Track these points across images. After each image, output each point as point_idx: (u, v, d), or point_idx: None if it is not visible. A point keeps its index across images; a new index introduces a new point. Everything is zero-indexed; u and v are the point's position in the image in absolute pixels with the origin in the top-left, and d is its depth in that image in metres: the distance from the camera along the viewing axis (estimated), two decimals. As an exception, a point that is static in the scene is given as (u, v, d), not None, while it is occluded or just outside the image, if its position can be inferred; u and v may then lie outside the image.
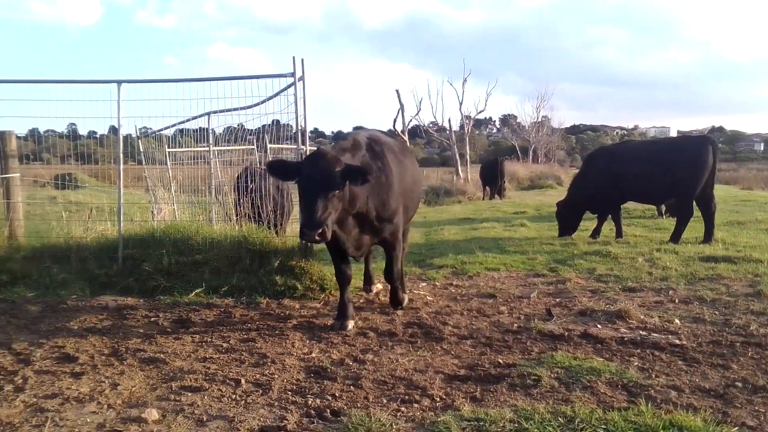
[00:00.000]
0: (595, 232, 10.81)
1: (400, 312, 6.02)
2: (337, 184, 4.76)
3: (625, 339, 4.98)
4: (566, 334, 5.15)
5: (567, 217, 11.05)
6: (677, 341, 4.89)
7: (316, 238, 4.69)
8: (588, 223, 11.64)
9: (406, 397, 3.90)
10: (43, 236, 7.74)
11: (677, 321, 5.46)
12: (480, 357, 4.67)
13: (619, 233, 10.56)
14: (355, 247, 5.54)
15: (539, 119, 51.35)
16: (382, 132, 6.40)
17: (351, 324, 5.51)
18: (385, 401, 3.85)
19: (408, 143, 6.37)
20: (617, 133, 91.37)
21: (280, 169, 5.13)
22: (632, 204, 12.54)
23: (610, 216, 10.89)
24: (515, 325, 5.51)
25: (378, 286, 7.00)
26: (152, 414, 3.65)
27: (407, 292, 6.47)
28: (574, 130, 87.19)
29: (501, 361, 4.52)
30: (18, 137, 8.24)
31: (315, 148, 5.78)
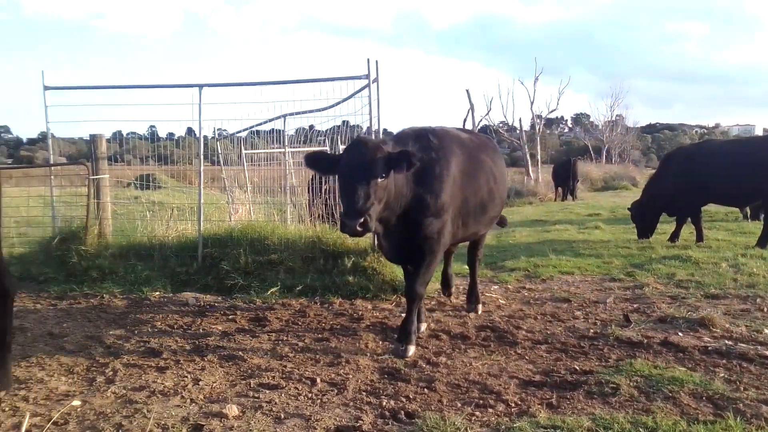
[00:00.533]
0: (674, 236, 10.40)
1: (472, 315, 5.99)
2: (380, 171, 4.35)
3: (709, 348, 4.78)
4: (645, 341, 5.00)
5: (642, 219, 10.71)
6: (767, 352, 4.66)
7: (358, 229, 4.23)
8: (666, 226, 11.24)
9: (481, 401, 3.88)
10: (129, 235, 8.11)
11: (767, 331, 5.21)
12: (555, 363, 4.59)
13: (699, 237, 10.13)
14: (398, 255, 5.11)
15: (613, 118, 49.96)
16: (458, 128, 6.07)
17: (424, 327, 5.41)
18: (459, 405, 3.85)
19: (494, 142, 6.22)
20: (696, 131, 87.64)
21: (319, 161, 4.77)
22: (714, 206, 12.01)
23: (689, 219, 10.46)
24: (591, 330, 5.39)
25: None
26: (232, 410, 3.77)
27: (481, 304, 6.23)
28: (650, 129, 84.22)
29: (577, 368, 4.43)
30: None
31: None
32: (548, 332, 5.39)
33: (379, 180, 4.37)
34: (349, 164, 4.41)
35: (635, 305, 6.25)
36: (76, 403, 3.86)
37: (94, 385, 4.22)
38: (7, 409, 3.79)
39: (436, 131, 5.26)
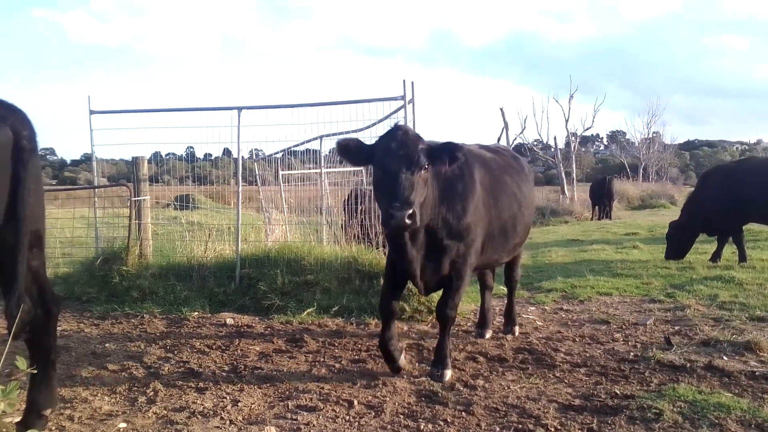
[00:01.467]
0: (716, 256, 10.15)
1: (509, 337, 5.94)
2: (423, 160, 4.09)
3: (757, 373, 4.65)
4: (688, 365, 4.89)
5: (679, 240, 10.47)
6: (817, 378, 4.51)
7: (407, 221, 3.89)
8: (708, 245, 11.00)
9: (520, 425, 3.84)
10: (168, 255, 8.26)
11: (815, 355, 5.05)
12: (595, 386, 4.52)
13: (742, 257, 9.87)
14: (420, 273, 4.69)
15: (650, 135, 49.21)
16: (485, 146, 5.83)
17: (402, 361, 4.93)
18: (497, 429, 3.81)
19: (525, 164, 6.08)
20: (737, 148, 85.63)
21: (352, 150, 4.43)
22: (757, 226, 11.72)
23: (731, 238, 10.22)
24: (631, 353, 5.29)
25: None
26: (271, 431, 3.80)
27: (518, 326, 6.15)
28: (689, 145, 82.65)
29: (618, 392, 4.36)
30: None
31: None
32: (587, 355, 5.32)
33: (423, 171, 4.11)
34: (391, 152, 4.11)
35: (676, 327, 6.12)
36: (122, 425, 3.93)
37: (136, 405, 4.29)
38: (53, 428, 3.88)
39: (468, 149, 5.02)
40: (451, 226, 4.62)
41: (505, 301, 6.46)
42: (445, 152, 4.19)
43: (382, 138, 4.38)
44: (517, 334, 6.00)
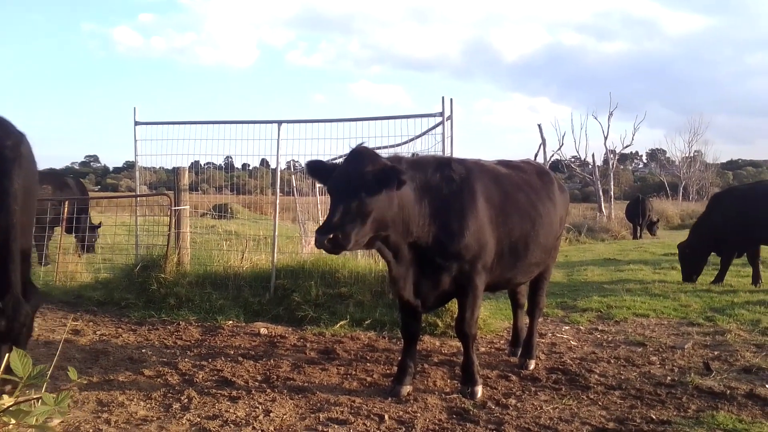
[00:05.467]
0: (718, 279, 10.21)
1: (543, 356, 5.87)
2: (367, 185, 4.04)
3: (799, 403, 4.51)
4: (728, 392, 4.76)
5: (690, 261, 10.48)
6: None
7: (326, 244, 3.93)
8: (749, 268, 10.72)
9: (552, 447, 3.80)
10: (205, 264, 8.40)
11: None
12: (630, 410, 4.43)
13: (755, 279, 9.97)
14: (414, 289, 4.62)
15: (691, 154, 48.32)
16: (505, 161, 5.62)
17: (406, 390, 4.80)
18: (529, 450, 3.77)
19: (554, 181, 5.95)
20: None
21: (318, 170, 4.57)
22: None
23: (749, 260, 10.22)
24: (668, 378, 5.19)
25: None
26: (302, 442, 3.83)
27: (536, 356, 5.65)
28: (732, 165, 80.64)
29: (654, 417, 4.27)
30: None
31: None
32: (622, 377, 5.23)
33: (366, 195, 4.05)
34: (337, 175, 4.22)
35: (716, 352, 5.98)
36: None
37: (171, 412, 4.36)
38: (91, 430, 3.97)
39: (465, 162, 5.02)
40: (445, 244, 4.53)
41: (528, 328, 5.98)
42: (392, 177, 4.09)
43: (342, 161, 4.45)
44: (531, 368, 5.45)
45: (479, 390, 4.75)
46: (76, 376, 1.55)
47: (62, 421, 3.40)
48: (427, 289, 4.68)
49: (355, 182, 4.07)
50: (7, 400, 1.31)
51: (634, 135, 34.81)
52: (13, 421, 1.31)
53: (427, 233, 4.50)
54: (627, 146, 34.87)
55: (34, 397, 1.39)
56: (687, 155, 48.24)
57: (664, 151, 57.23)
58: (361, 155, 4.22)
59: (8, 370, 1.47)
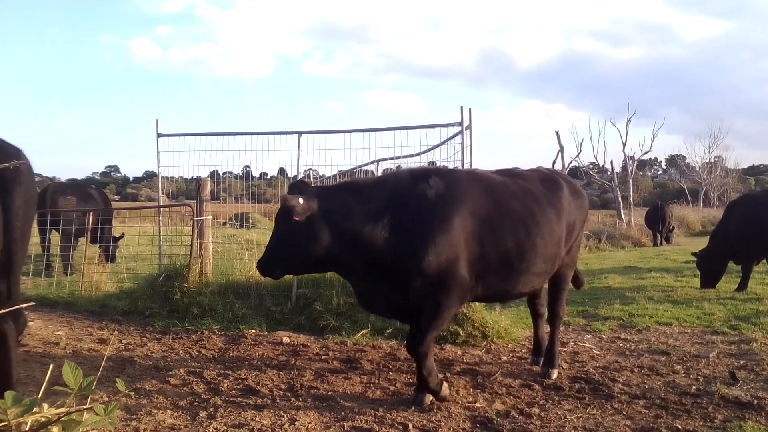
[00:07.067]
0: (741, 286, 10.06)
1: (565, 365, 5.85)
2: (281, 221, 4.57)
3: (828, 413, 4.47)
4: (755, 402, 4.72)
5: (707, 268, 10.42)
6: None
7: (258, 272, 4.88)
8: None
9: (577, 457, 3.80)
10: (227, 273, 8.48)
11: None
12: (655, 420, 4.42)
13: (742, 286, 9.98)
14: (383, 304, 4.87)
15: (711, 159, 47.84)
16: (505, 170, 5.54)
17: (429, 399, 4.80)
18: (554, 459, 3.77)
19: (562, 187, 5.85)
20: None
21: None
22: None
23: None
24: (693, 387, 5.15)
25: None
26: (328, 451, 3.86)
27: (558, 366, 5.62)
28: (754, 171, 79.65)
29: (679, 427, 4.25)
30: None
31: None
32: (646, 386, 5.20)
33: (278, 229, 4.64)
34: None
35: (742, 362, 5.92)
36: None
37: (197, 420, 4.42)
38: (120, 439, 4.04)
39: (454, 173, 5.12)
40: (405, 260, 4.54)
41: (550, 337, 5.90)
42: (290, 211, 4.40)
43: None
44: (553, 378, 5.41)
45: (429, 398, 4.75)
46: (123, 387, 1.60)
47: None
48: (397, 304, 4.77)
49: (278, 216, 4.62)
50: (59, 411, 1.37)
51: (653, 141, 34.55)
52: (65, 430, 1.36)
53: (387, 250, 4.55)
54: (646, 152, 34.59)
55: (85, 407, 1.44)
56: (707, 161, 47.83)
57: (684, 157, 56.75)
58: (289, 191, 4.67)
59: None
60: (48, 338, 6.82)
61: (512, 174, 5.44)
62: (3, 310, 2.56)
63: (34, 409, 1.32)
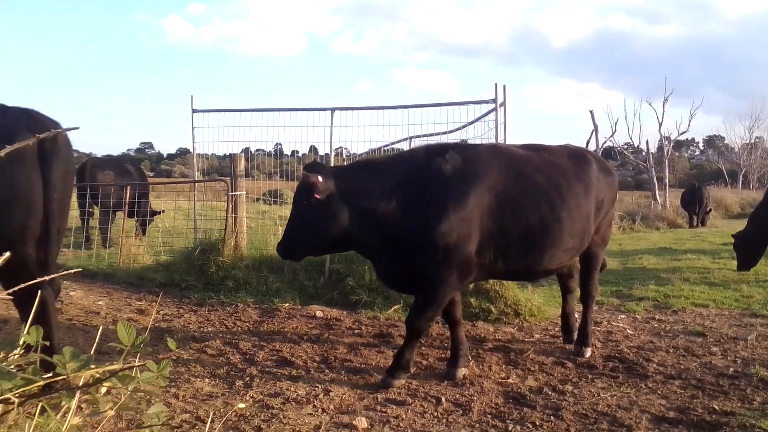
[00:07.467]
0: None
1: (599, 344, 5.81)
2: (300, 201, 4.58)
3: None
4: (796, 385, 4.64)
5: (745, 250, 10.06)
6: None
7: (280, 255, 4.89)
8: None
9: (611, 434, 3.79)
10: (261, 248, 8.59)
11: None
12: (691, 400, 4.37)
13: None
14: (393, 279, 4.95)
15: (752, 140, 46.59)
16: (531, 145, 5.41)
17: (461, 373, 4.85)
18: (588, 436, 3.77)
19: (590, 163, 5.69)
20: None
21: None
22: None
23: None
24: (731, 369, 5.08)
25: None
26: (362, 422, 3.92)
27: (592, 344, 5.55)
28: (795, 152, 77.40)
29: (716, 407, 4.20)
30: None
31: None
32: (681, 367, 5.14)
33: (297, 210, 4.64)
34: None
35: (781, 344, 5.82)
36: (241, 405, 4.14)
37: (234, 389, 4.52)
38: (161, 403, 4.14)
39: (474, 148, 5.04)
40: (420, 234, 4.52)
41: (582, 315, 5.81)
42: (311, 190, 4.47)
43: None
44: (587, 357, 5.38)
45: (396, 383, 4.64)
46: (174, 346, 1.65)
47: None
48: (412, 280, 4.75)
49: (295, 197, 4.69)
50: (114, 367, 1.42)
51: (690, 121, 33.66)
52: (120, 385, 1.41)
53: (403, 226, 4.56)
54: (683, 133, 33.71)
55: (139, 364, 1.49)
56: (747, 142, 46.60)
57: (723, 138, 55.40)
58: (305, 171, 4.61)
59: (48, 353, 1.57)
60: (89, 308, 7.01)
61: (537, 148, 5.34)
62: (46, 277, 2.63)
63: (90, 366, 1.37)
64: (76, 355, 1.37)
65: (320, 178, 4.47)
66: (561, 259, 5.20)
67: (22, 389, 1.30)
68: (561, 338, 6.01)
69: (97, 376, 1.40)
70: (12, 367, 1.44)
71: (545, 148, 5.40)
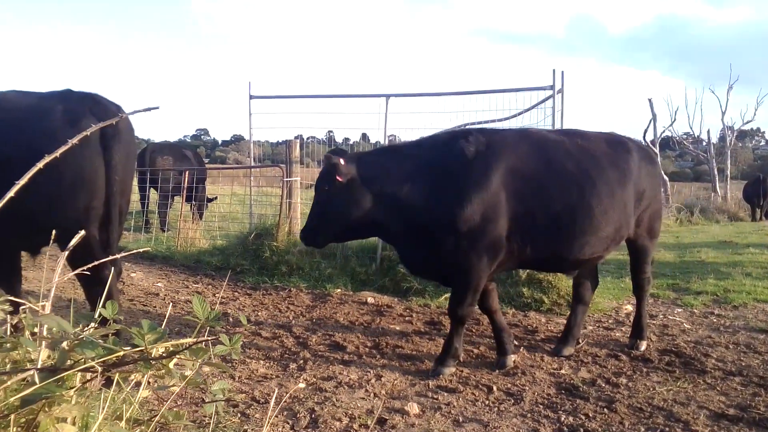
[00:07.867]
0: None
1: (654, 337, 5.70)
2: (323, 185, 4.63)
3: None
4: None
5: None
6: None
7: (302, 242, 5.03)
8: None
9: (666, 429, 3.73)
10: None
11: None
12: (753, 398, 4.25)
13: None
14: (417, 265, 4.91)
15: (822, 131, 44.46)
16: (566, 130, 5.38)
17: (511, 360, 4.87)
18: (642, 430, 3.72)
19: (630, 151, 5.46)
20: None
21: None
22: None
23: None
24: (795, 367, 4.91)
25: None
26: (413, 408, 3.96)
27: (647, 338, 5.43)
28: None
29: (779, 406, 4.08)
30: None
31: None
32: (742, 364, 5.00)
33: (320, 196, 4.68)
34: None
35: None
36: (301, 385, 4.26)
37: (288, 371, 4.63)
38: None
39: (492, 133, 4.86)
40: (442, 218, 4.46)
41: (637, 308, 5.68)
42: (329, 173, 4.55)
43: None
44: (642, 350, 5.27)
45: (446, 371, 4.64)
46: (245, 321, 1.72)
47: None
48: (436, 266, 4.71)
49: (317, 184, 4.74)
50: (188, 340, 1.48)
51: (756, 110, 32.46)
52: (193, 357, 1.48)
53: (425, 210, 4.51)
54: (747, 122, 32.50)
55: (212, 338, 1.55)
56: (816, 133, 44.49)
57: (790, 128, 53.01)
58: (325, 161, 4.64)
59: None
60: (149, 289, 7.26)
61: (571, 134, 5.18)
62: (113, 257, 2.74)
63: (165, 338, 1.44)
64: (153, 327, 1.44)
65: (342, 161, 4.52)
66: (593, 249, 4.93)
67: (103, 358, 1.37)
68: (613, 331, 5.92)
69: (171, 349, 1.47)
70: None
71: (581, 134, 5.21)
